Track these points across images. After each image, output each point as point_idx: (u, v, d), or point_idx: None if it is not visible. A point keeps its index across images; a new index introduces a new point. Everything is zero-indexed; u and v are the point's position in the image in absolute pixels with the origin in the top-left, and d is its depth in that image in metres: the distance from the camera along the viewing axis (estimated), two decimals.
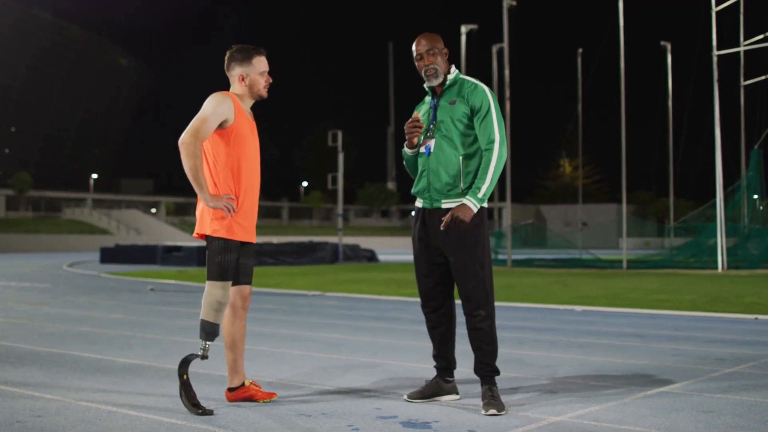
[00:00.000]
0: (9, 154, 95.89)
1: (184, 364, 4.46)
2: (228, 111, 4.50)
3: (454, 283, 4.73)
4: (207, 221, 4.52)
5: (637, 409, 4.40)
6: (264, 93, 4.69)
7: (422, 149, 4.67)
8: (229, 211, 4.45)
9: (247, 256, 4.67)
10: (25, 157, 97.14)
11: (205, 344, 4.50)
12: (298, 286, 16.07)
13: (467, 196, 4.47)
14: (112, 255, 31.50)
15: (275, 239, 39.84)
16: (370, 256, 33.25)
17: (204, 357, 4.50)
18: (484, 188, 4.46)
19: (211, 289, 4.47)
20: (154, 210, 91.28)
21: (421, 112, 4.79)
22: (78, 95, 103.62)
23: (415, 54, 4.67)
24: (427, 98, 4.81)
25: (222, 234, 4.48)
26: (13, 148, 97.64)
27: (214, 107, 4.46)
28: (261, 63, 4.65)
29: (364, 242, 47.37)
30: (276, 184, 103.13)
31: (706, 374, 5.60)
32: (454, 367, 4.78)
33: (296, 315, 10.24)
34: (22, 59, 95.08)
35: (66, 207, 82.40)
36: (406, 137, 4.67)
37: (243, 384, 4.63)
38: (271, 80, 4.70)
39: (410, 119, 4.64)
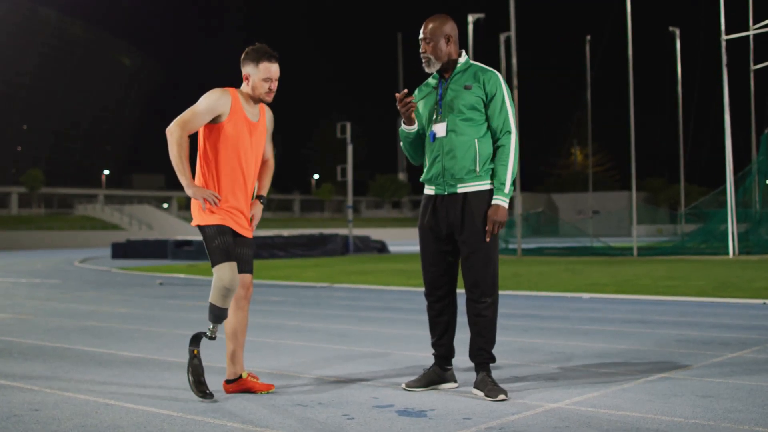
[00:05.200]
0: (21, 152, 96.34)
1: (195, 340, 4.55)
2: (223, 107, 4.50)
3: (458, 272, 4.70)
4: (197, 211, 4.54)
5: (636, 395, 4.37)
6: (266, 98, 4.63)
7: (438, 133, 4.58)
8: (207, 203, 4.44)
9: (244, 245, 4.66)
10: (37, 155, 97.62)
11: (214, 326, 4.58)
12: (307, 278, 16.08)
13: (495, 196, 4.49)
14: (123, 250, 31.54)
15: (285, 232, 39.87)
16: (381, 248, 33.22)
17: (212, 338, 4.58)
18: (508, 183, 4.51)
19: (218, 273, 4.46)
20: (165, 205, 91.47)
21: (422, 94, 4.75)
22: (88, 92, 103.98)
23: (419, 36, 4.64)
24: (432, 80, 4.76)
25: (214, 221, 4.48)
26: (25, 146, 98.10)
27: (208, 102, 4.49)
28: (267, 70, 4.59)
29: (375, 233, 47.28)
30: (287, 177, 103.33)
31: (709, 359, 5.56)
32: (453, 356, 4.76)
33: (302, 306, 10.25)
34: (30, 57, 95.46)
35: (78, 203, 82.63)
36: (403, 116, 4.59)
37: (240, 376, 4.64)
38: (274, 88, 4.64)
39: (399, 98, 4.52)
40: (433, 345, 4.77)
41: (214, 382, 4.88)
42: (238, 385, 4.62)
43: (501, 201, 4.49)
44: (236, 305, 4.67)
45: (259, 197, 4.82)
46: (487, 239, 4.48)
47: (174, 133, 4.41)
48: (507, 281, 13.62)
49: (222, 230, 4.49)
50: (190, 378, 4.46)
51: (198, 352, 4.52)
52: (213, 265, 4.49)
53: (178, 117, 4.44)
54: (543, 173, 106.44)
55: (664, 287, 12.06)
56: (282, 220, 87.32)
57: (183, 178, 4.41)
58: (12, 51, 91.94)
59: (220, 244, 4.47)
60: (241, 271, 4.65)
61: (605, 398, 4.30)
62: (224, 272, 4.45)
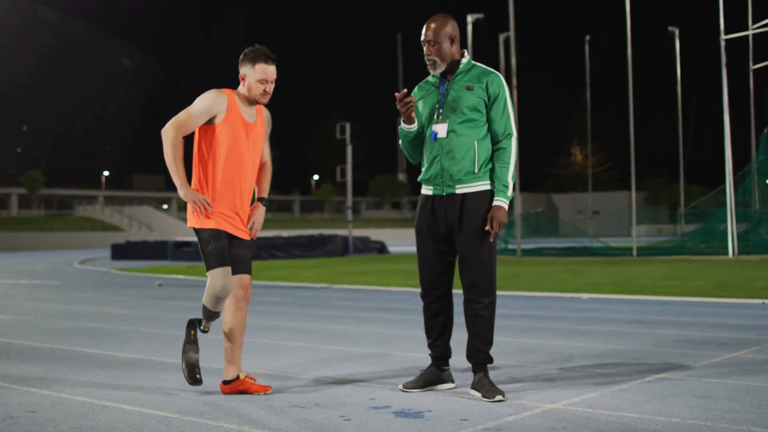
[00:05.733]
0: (21, 153, 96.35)
1: (191, 324, 4.66)
2: (218, 107, 4.50)
3: (454, 272, 4.70)
4: (193, 215, 4.53)
5: (634, 396, 4.36)
6: (260, 99, 4.62)
7: (439, 133, 4.56)
8: (197, 206, 4.44)
9: (241, 247, 4.65)
10: (37, 155, 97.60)
11: (207, 321, 4.66)
12: (307, 278, 16.08)
13: (497, 197, 4.49)
14: (123, 251, 31.51)
15: (285, 232, 39.86)
16: (381, 248, 33.21)
17: (204, 331, 4.68)
18: (510, 186, 4.53)
19: (212, 280, 4.46)
20: (165, 206, 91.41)
21: (422, 92, 4.73)
22: (88, 92, 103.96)
23: (422, 38, 4.62)
24: (432, 78, 4.74)
25: (209, 225, 4.47)
26: (25, 146, 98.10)
27: (204, 103, 4.49)
28: (263, 71, 4.57)
29: (375, 234, 47.32)
30: (287, 178, 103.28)
31: (707, 359, 5.55)
32: (450, 356, 4.74)
33: (301, 307, 10.24)
34: (30, 57, 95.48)
35: (78, 204, 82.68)
36: (403, 115, 4.57)
37: (238, 377, 4.63)
38: (270, 90, 4.62)
39: (399, 98, 4.50)
40: (430, 346, 4.75)
41: (212, 382, 4.88)
42: (235, 386, 4.61)
43: (502, 202, 4.49)
44: (235, 306, 4.66)
45: (261, 199, 4.81)
46: (491, 240, 4.48)
47: (169, 133, 4.41)
48: (506, 281, 13.61)
49: (217, 234, 4.48)
50: (183, 362, 4.56)
51: (195, 334, 4.63)
52: (207, 270, 4.48)
53: (173, 118, 4.45)
54: (543, 173, 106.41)
55: (664, 287, 12.05)
56: (282, 220, 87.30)
57: (177, 179, 4.41)
58: (12, 51, 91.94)
59: (214, 249, 4.46)
60: (239, 271, 4.64)
61: (603, 399, 4.30)
62: (217, 279, 4.45)
